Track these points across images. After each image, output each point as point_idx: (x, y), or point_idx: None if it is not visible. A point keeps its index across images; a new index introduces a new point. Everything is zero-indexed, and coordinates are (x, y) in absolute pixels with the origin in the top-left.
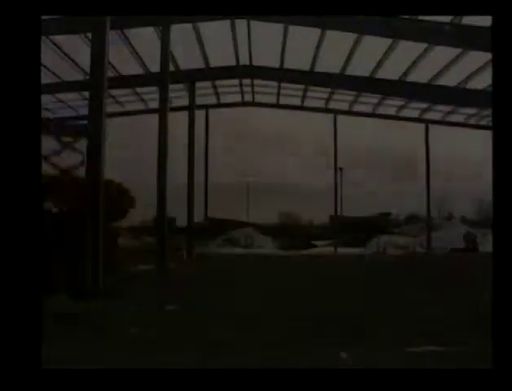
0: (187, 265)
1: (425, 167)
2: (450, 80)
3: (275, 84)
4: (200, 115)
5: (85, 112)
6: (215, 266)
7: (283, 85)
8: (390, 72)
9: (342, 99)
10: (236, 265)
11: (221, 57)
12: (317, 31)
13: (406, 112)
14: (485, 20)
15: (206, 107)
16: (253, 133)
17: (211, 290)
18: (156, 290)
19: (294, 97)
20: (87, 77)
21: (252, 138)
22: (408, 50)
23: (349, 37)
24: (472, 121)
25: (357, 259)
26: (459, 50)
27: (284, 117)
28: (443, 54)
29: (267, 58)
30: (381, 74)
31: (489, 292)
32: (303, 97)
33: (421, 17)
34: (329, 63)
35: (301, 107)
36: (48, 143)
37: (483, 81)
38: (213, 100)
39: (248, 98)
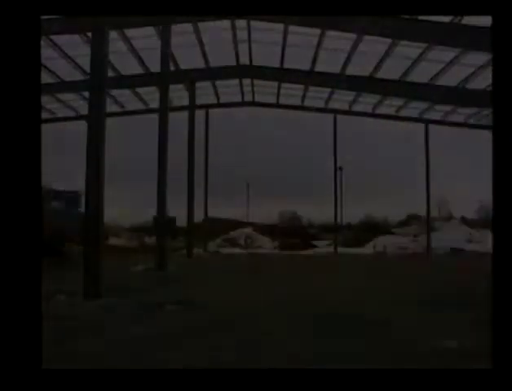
0: (187, 265)
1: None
2: None
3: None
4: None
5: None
6: (214, 267)
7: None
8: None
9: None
10: (235, 267)
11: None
12: None
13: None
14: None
15: (206, 107)
16: None
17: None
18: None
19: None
20: (87, 77)
21: None
22: None
23: None
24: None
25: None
26: None
27: None
28: None
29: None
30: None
31: None
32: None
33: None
34: None
35: (301, 107)
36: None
37: None
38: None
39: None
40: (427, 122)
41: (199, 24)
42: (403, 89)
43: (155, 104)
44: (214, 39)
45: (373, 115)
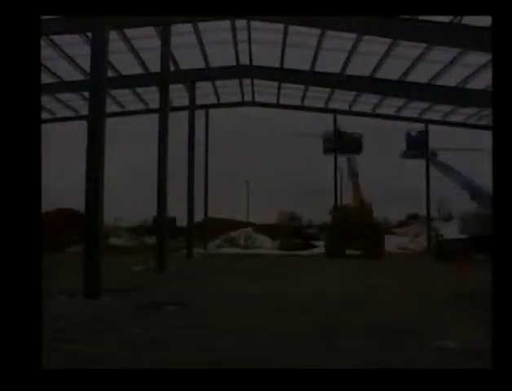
0: (186, 266)
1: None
2: None
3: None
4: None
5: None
6: (214, 268)
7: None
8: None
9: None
10: (236, 268)
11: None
12: None
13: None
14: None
15: (206, 107)
16: None
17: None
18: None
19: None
20: (87, 77)
21: None
22: None
23: None
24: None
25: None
26: None
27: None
28: None
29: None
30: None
31: None
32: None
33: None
34: None
35: (301, 107)
36: None
37: None
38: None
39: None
40: (427, 122)
41: (199, 24)
42: (403, 89)
43: (155, 104)
44: (214, 39)
45: (373, 115)
